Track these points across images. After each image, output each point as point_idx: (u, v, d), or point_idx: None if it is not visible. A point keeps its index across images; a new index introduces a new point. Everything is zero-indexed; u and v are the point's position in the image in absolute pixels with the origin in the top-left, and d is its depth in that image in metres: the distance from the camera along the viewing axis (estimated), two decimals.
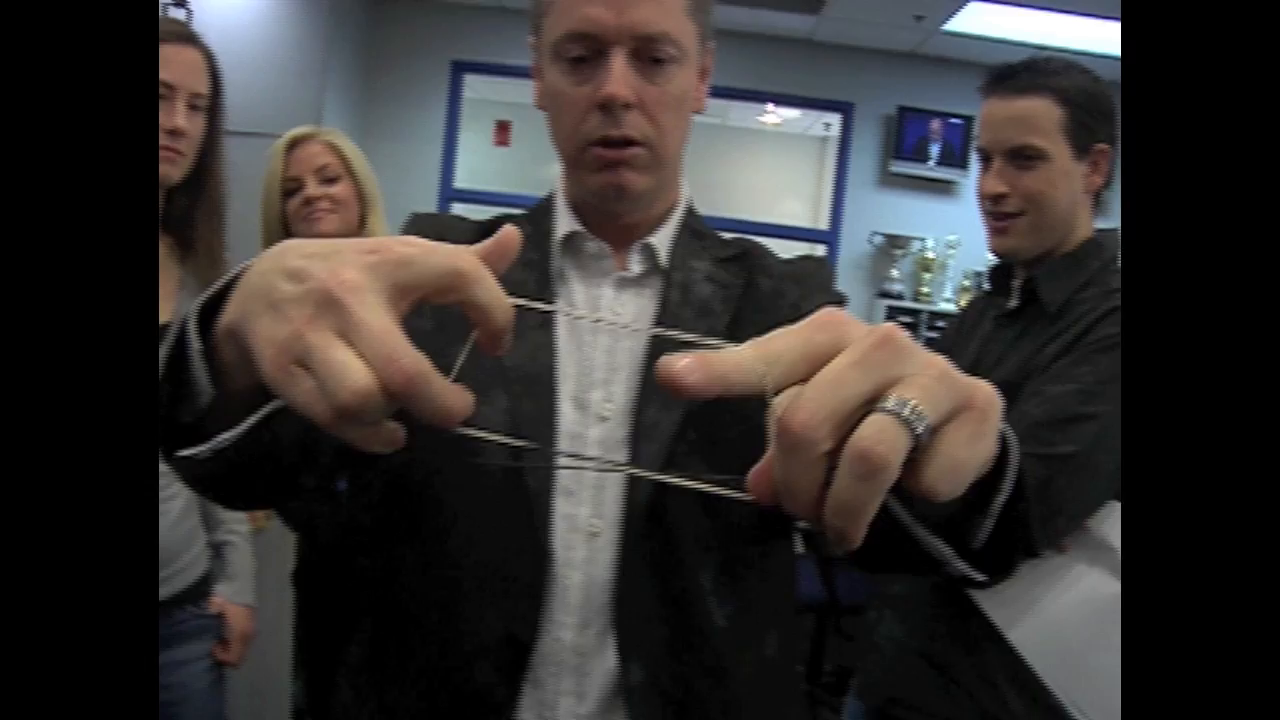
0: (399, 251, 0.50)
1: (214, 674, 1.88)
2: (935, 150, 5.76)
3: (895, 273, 5.83)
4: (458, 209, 6.40)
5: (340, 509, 2.13)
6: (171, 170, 1.67)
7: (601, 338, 1.06)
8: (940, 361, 0.46)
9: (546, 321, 1.05)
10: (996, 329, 1.69)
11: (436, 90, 6.27)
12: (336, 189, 2.08)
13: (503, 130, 6.85)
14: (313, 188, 2.06)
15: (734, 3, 5.37)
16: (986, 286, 1.76)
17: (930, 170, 5.77)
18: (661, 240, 1.15)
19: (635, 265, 1.14)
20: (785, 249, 6.57)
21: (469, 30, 6.16)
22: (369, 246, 0.51)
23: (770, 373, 0.45)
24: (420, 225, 1.18)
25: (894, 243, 5.81)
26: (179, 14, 4.13)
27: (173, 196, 1.74)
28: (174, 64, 1.64)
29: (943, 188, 5.84)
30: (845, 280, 6.06)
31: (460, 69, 6.27)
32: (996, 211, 1.59)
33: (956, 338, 1.78)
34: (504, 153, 7.01)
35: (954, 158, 5.78)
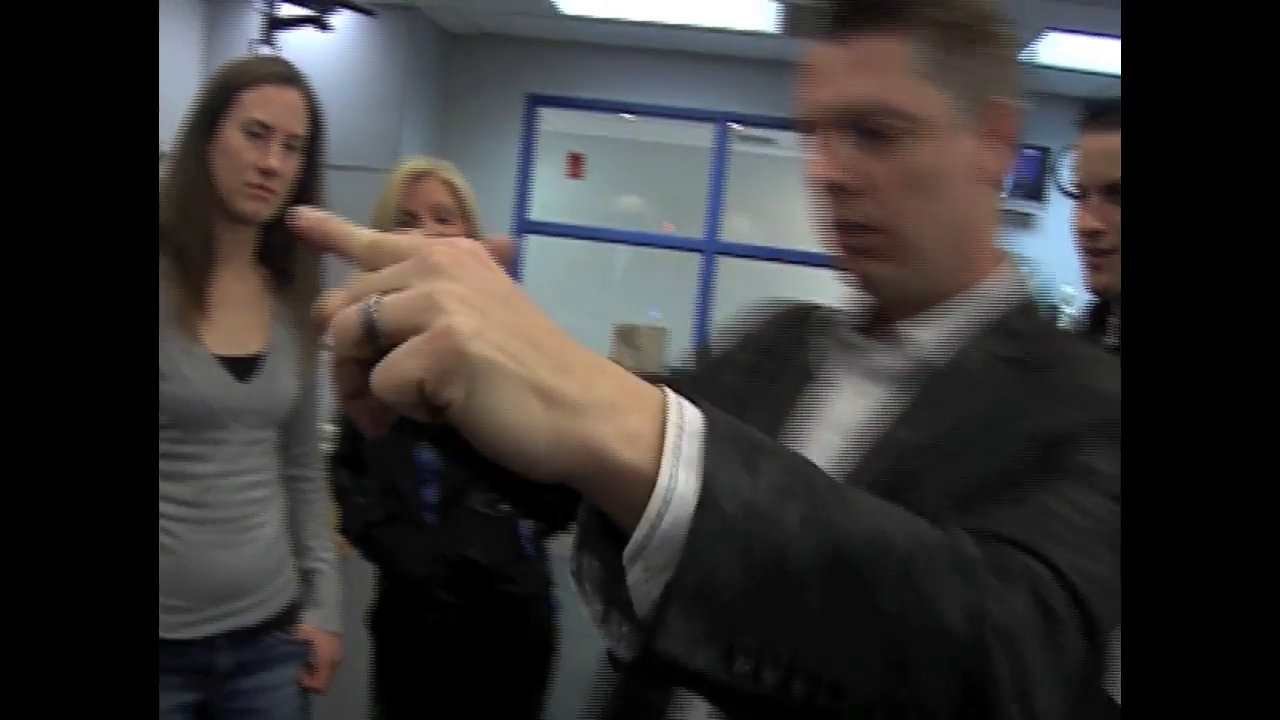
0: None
1: (300, 699, 1.90)
2: (1010, 183, 5.69)
3: None
4: (531, 241, 6.48)
5: (427, 540, 2.14)
6: (261, 208, 1.71)
7: None
8: (455, 288, 0.47)
9: None
10: None
11: (511, 123, 6.36)
12: (450, 229, 2.10)
13: (575, 162, 6.91)
14: (429, 226, 2.08)
15: (810, 36, 5.36)
16: (1083, 323, 1.72)
17: (1006, 203, 5.70)
18: (931, 331, 0.94)
19: (888, 358, 0.95)
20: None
21: (543, 64, 6.24)
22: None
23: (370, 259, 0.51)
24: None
25: None
26: (266, 51, 4.24)
27: (269, 231, 1.78)
28: (274, 104, 1.69)
29: (1019, 220, 5.75)
30: None
31: (535, 102, 6.36)
32: (1092, 248, 1.54)
33: None
34: (576, 185, 7.08)
35: (1030, 190, 5.70)
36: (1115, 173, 1.50)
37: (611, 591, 0.51)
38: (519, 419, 0.46)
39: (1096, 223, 1.53)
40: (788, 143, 7.03)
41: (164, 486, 1.70)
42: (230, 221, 1.73)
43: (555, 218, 6.82)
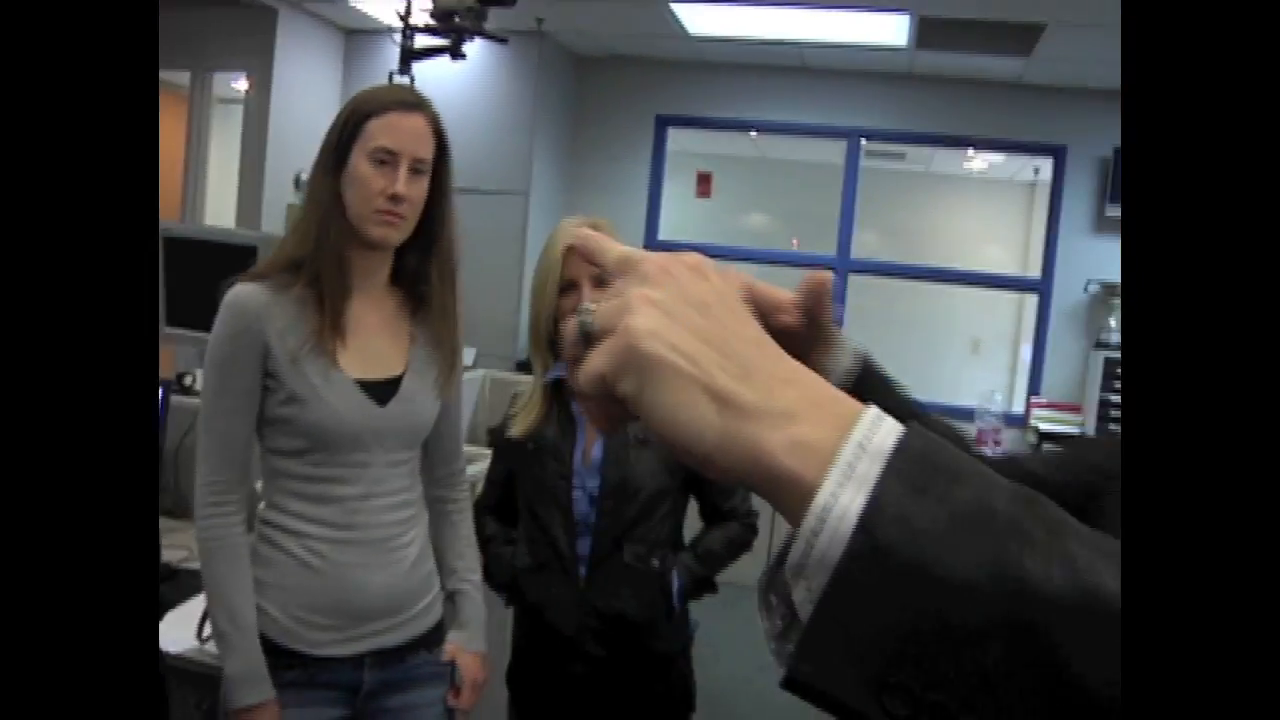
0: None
1: (445, 718, 1.92)
2: None
3: (1113, 322, 5.55)
4: None
5: (579, 593, 2.16)
6: (391, 233, 1.74)
7: None
8: (650, 293, 0.51)
9: None
10: None
11: (641, 144, 6.41)
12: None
13: (704, 182, 6.92)
14: (590, 292, 2.09)
15: (942, 48, 5.28)
16: None
17: None
18: None
19: None
20: (993, 298, 6.33)
21: (672, 85, 6.27)
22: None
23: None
24: None
25: (1111, 291, 5.54)
26: (402, 80, 4.36)
27: (402, 255, 1.82)
28: (398, 131, 1.72)
29: None
30: (1060, 330, 5.81)
31: (664, 123, 6.39)
32: None
33: None
34: (705, 204, 7.09)
35: None
36: None
37: (791, 606, 0.49)
38: (688, 415, 0.48)
39: None
40: (917, 157, 6.91)
41: (310, 509, 1.74)
42: (363, 248, 1.77)
43: (685, 237, 6.83)
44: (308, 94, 5.97)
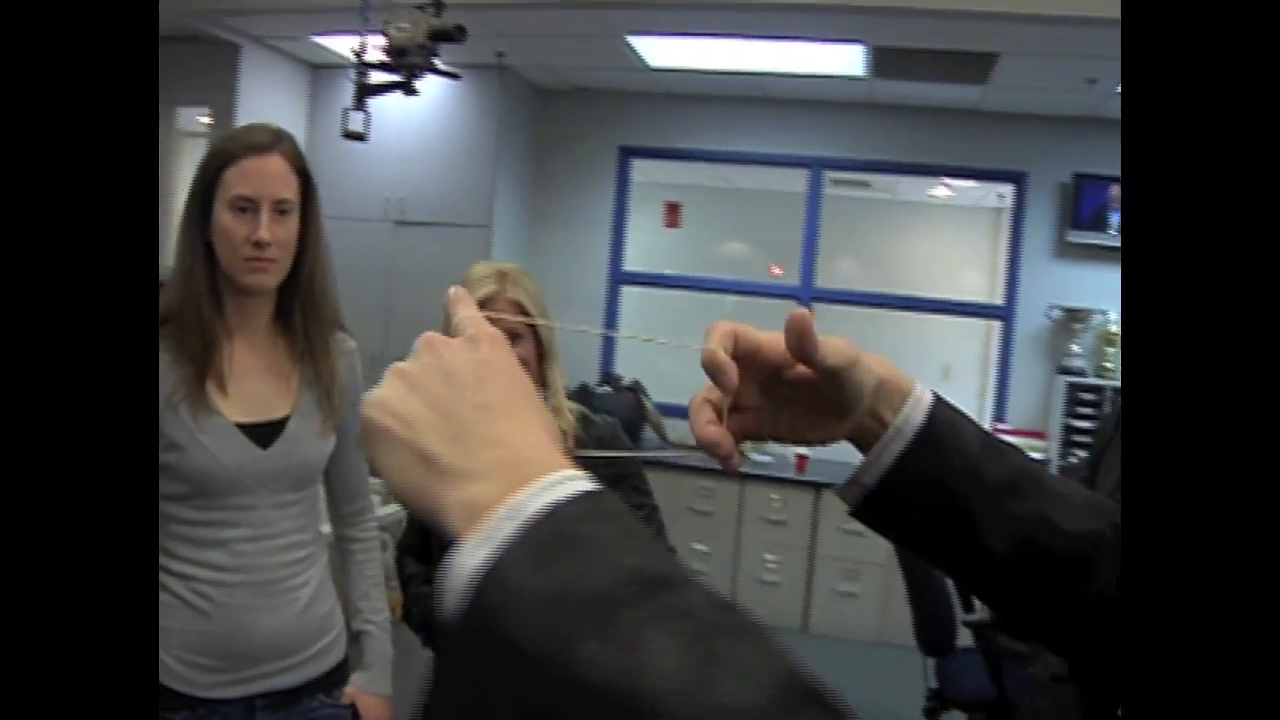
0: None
1: None
2: (1115, 218, 5.49)
3: (1076, 348, 5.56)
4: (627, 292, 6.51)
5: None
6: (264, 279, 1.73)
7: None
8: (405, 365, 0.57)
9: None
10: None
11: (605, 175, 6.42)
12: (519, 350, 2.10)
13: (673, 211, 6.93)
14: None
15: (898, 77, 5.31)
16: None
17: (1110, 239, 5.50)
18: None
19: None
20: (964, 324, 6.33)
21: (635, 116, 6.30)
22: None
23: None
24: None
25: (1073, 316, 5.55)
26: (358, 117, 4.37)
27: (282, 296, 1.82)
28: (253, 177, 1.70)
29: None
30: (1022, 356, 5.81)
31: (628, 154, 6.41)
32: None
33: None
34: (675, 234, 7.09)
35: None
36: None
37: None
38: (400, 475, 0.53)
39: None
40: (882, 185, 6.94)
41: (197, 552, 1.73)
42: (238, 294, 1.76)
43: (657, 266, 6.85)
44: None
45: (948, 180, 6.50)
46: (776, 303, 6.34)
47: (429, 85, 4.94)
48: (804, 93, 5.88)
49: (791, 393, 0.75)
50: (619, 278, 6.47)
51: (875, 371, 0.74)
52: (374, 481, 2.16)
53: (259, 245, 1.70)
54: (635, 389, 6.02)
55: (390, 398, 0.55)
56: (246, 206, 1.70)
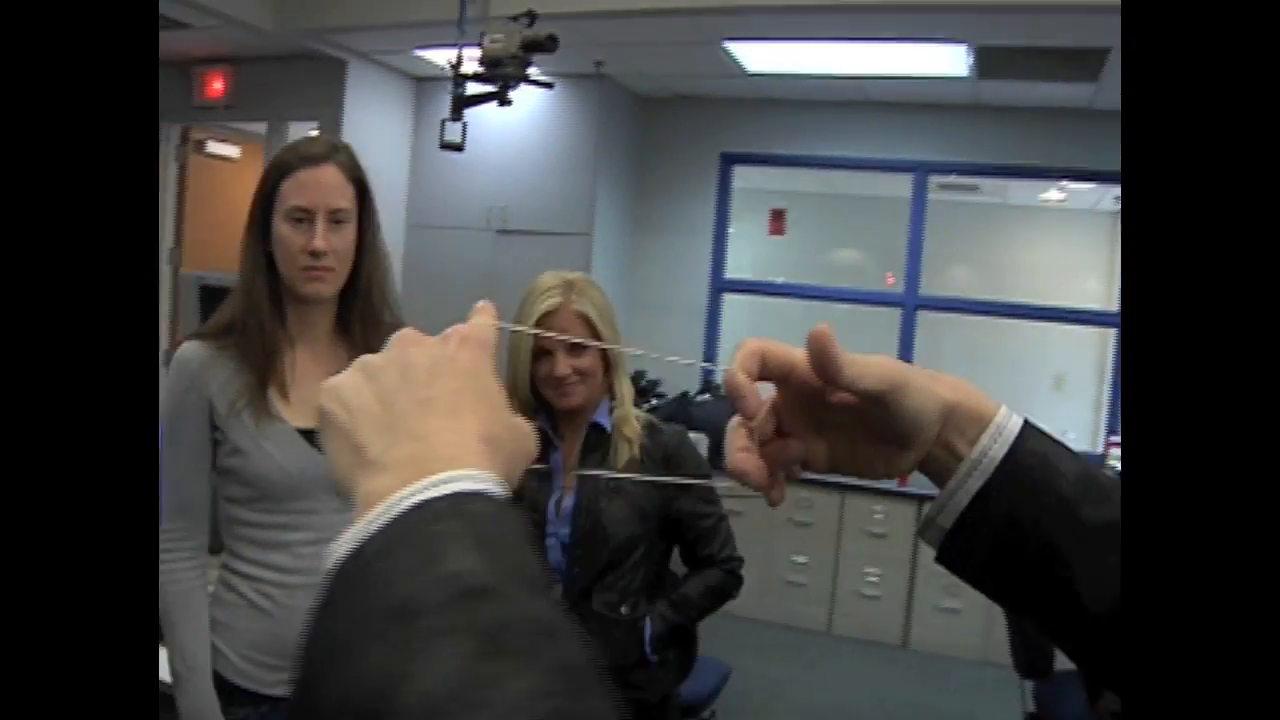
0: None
1: None
2: None
3: None
4: (732, 300, 6.46)
5: None
6: (321, 288, 1.77)
7: None
8: (372, 357, 0.58)
9: None
10: None
11: (706, 182, 6.39)
12: (584, 361, 2.13)
13: (777, 219, 6.86)
14: (562, 364, 2.11)
15: (1004, 77, 5.14)
16: None
17: None
18: None
19: None
20: (1079, 333, 6.11)
21: (736, 122, 6.25)
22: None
23: None
24: None
25: None
26: (455, 127, 4.44)
27: (342, 305, 1.84)
28: (308, 188, 1.74)
29: None
30: None
31: (729, 160, 6.37)
32: None
33: None
34: (779, 241, 7.01)
35: None
36: None
37: None
38: (336, 460, 0.54)
39: None
40: (991, 189, 6.74)
41: (262, 554, 1.78)
42: (299, 303, 1.80)
43: (764, 274, 6.78)
44: (378, 140, 6.12)
45: (1060, 183, 6.27)
46: (886, 310, 6.20)
47: (530, 96, 4.99)
48: (907, 95, 5.75)
49: (842, 419, 0.67)
50: (720, 285, 6.42)
51: (940, 395, 0.65)
52: None
53: (315, 254, 1.74)
54: None
55: (344, 386, 0.56)
56: (303, 217, 1.74)
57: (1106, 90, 5.13)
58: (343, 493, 0.53)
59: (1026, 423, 0.66)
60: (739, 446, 0.66)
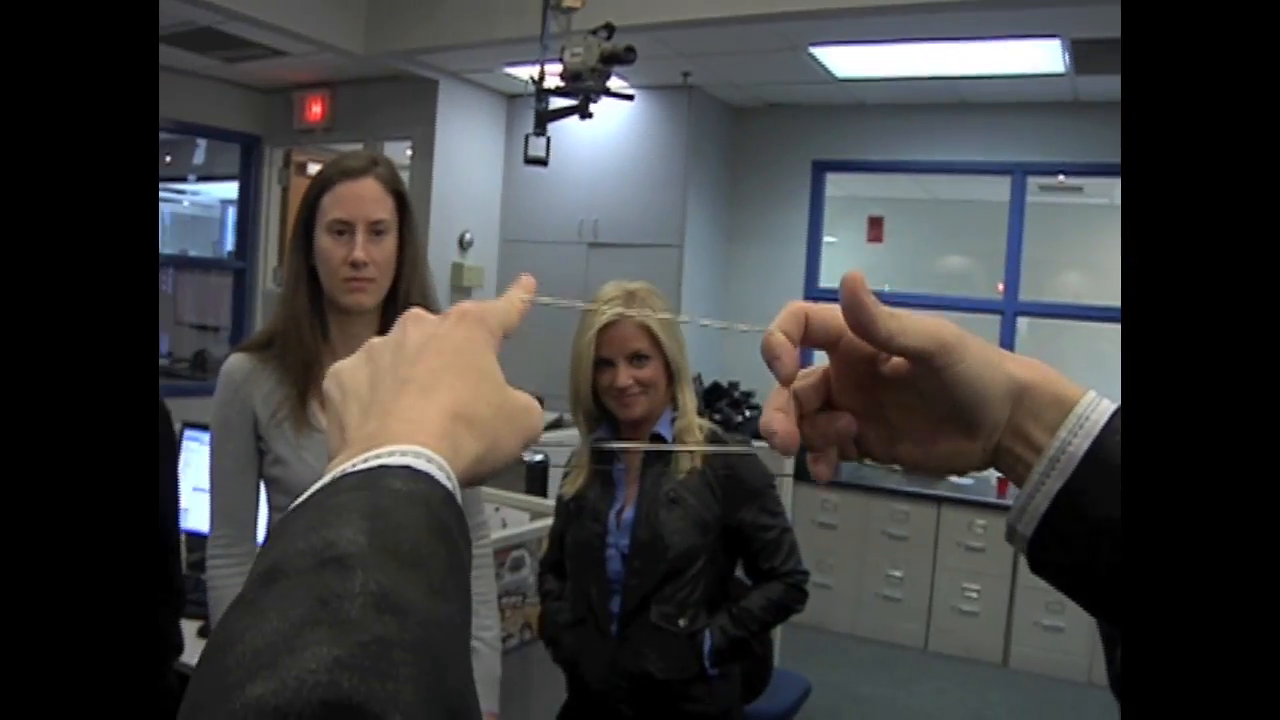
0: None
1: None
2: None
3: None
4: None
5: (610, 651, 2.15)
6: (363, 299, 1.78)
7: None
8: (377, 340, 0.58)
9: None
10: None
11: (799, 190, 6.31)
12: (646, 372, 2.13)
13: (876, 226, 6.73)
14: (623, 375, 2.11)
15: (1103, 71, 4.95)
16: None
17: None
18: None
19: None
20: None
21: (827, 129, 6.16)
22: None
23: None
24: None
25: None
26: (539, 142, 4.47)
27: (385, 316, 1.85)
28: (347, 200, 1.76)
29: None
30: None
31: (821, 168, 6.27)
32: None
33: None
34: (878, 249, 6.88)
35: None
36: None
37: None
38: (330, 442, 0.55)
39: None
40: (1096, 189, 6.50)
41: None
42: (341, 314, 1.82)
43: (868, 284, 6.62)
44: (470, 157, 6.22)
45: None
46: (988, 318, 6.03)
47: (619, 108, 5.01)
48: (1002, 95, 5.58)
49: (901, 399, 0.60)
50: (815, 294, 6.33)
51: (1010, 372, 0.57)
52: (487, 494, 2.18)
53: (355, 265, 1.75)
54: None
55: (344, 369, 0.57)
56: (343, 229, 1.76)
57: None
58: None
59: (1118, 412, 0.56)
60: (775, 405, 0.59)
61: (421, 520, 0.45)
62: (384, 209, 1.78)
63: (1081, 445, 0.55)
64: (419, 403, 0.53)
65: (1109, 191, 6.68)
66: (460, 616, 0.45)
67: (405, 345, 0.56)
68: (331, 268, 1.77)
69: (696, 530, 2.12)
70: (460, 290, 6.12)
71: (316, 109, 6.32)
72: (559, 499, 2.33)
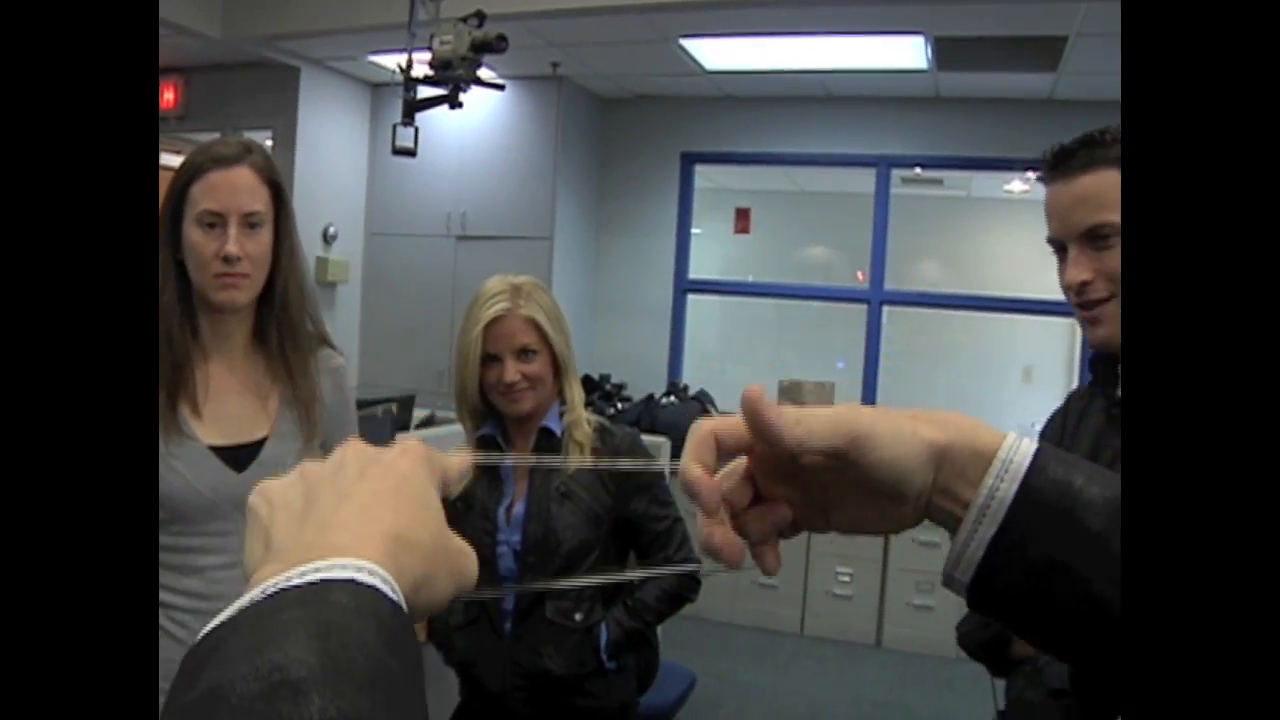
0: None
1: None
2: None
3: None
4: (700, 300, 6.41)
5: (504, 650, 2.12)
6: (236, 295, 1.67)
7: None
8: (309, 464, 0.56)
9: None
10: (1111, 423, 1.47)
11: (668, 182, 6.33)
12: (534, 367, 2.09)
13: (743, 217, 6.80)
14: (511, 370, 2.06)
15: (964, 68, 5.11)
16: (1091, 379, 1.57)
17: None
18: None
19: None
20: (1045, 326, 6.14)
21: (695, 121, 6.20)
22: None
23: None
24: None
25: None
26: (407, 132, 4.36)
27: (259, 315, 1.75)
28: (220, 190, 1.65)
29: None
30: None
31: (690, 160, 6.31)
32: (1084, 302, 1.40)
33: (1061, 435, 1.58)
34: (745, 240, 6.96)
35: None
36: (1089, 217, 1.37)
37: None
38: (249, 556, 0.52)
39: (1084, 274, 1.38)
40: (955, 182, 6.71)
41: (175, 580, 1.67)
42: (212, 312, 1.71)
43: (732, 274, 6.72)
44: (334, 148, 6.04)
45: (1023, 174, 6.25)
46: (855, 307, 6.16)
47: (487, 99, 4.92)
48: (867, 89, 5.70)
49: (825, 477, 0.61)
50: (684, 286, 6.36)
51: (925, 438, 0.58)
52: None
53: (228, 260, 1.64)
54: (701, 399, 5.90)
55: (274, 486, 0.54)
56: (215, 221, 1.65)
57: (1066, 80, 5.11)
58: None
59: (1041, 449, 0.57)
60: (709, 520, 0.59)
61: (374, 636, 0.42)
62: (259, 200, 1.68)
63: (1009, 489, 0.56)
64: (359, 519, 0.50)
65: (967, 184, 6.92)
66: None
67: (345, 467, 0.54)
68: (202, 262, 1.65)
69: (589, 524, 2.10)
70: (325, 285, 5.93)
71: (169, 96, 6.04)
72: (444, 499, 2.27)
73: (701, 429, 0.60)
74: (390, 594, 0.46)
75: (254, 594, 0.44)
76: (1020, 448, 0.57)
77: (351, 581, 0.44)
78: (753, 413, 0.57)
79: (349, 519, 0.50)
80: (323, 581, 0.44)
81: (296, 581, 0.44)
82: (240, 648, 0.41)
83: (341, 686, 0.39)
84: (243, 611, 0.43)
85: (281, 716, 0.37)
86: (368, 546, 0.47)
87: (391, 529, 0.50)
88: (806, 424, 0.57)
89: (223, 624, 0.43)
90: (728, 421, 0.60)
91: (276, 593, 0.44)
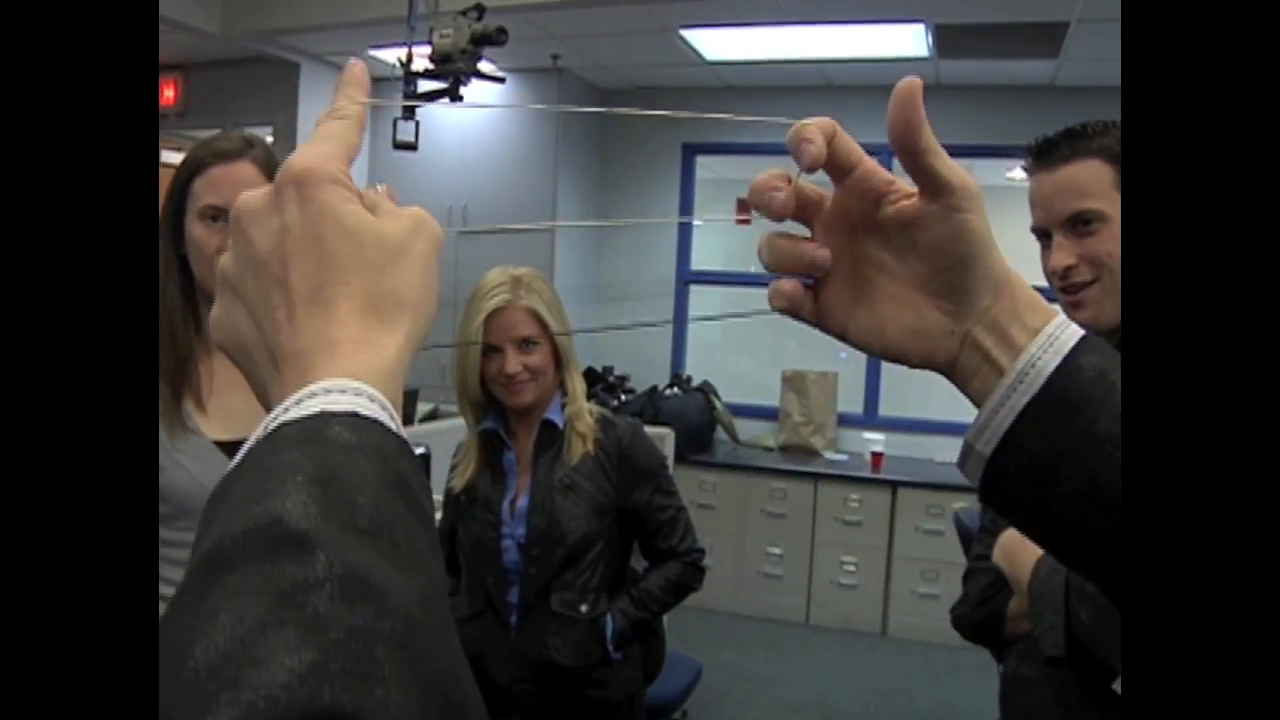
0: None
1: None
2: None
3: None
4: (702, 291, 6.41)
5: (511, 642, 2.14)
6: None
7: None
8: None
9: None
10: None
11: (669, 173, 6.33)
12: (535, 358, 2.10)
13: (744, 208, 6.77)
14: (512, 361, 2.07)
15: (964, 56, 5.10)
16: None
17: None
18: None
19: None
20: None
21: (698, 111, 6.18)
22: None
23: None
24: None
25: None
26: (408, 126, 4.36)
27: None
28: (222, 185, 1.65)
29: None
30: None
31: (691, 151, 6.30)
32: (1067, 286, 1.46)
33: None
34: (747, 230, 6.95)
35: None
36: (1072, 204, 1.45)
37: None
38: (231, 323, 0.51)
39: (1067, 259, 1.45)
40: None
41: (175, 573, 1.67)
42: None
43: (735, 265, 6.70)
44: None
45: (1025, 161, 6.25)
46: None
47: (487, 93, 4.91)
48: (868, 78, 5.69)
49: (886, 254, 0.58)
50: (686, 277, 6.36)
51: (1002, 270, 0.56)
52: None
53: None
54: (705, 390, 5.90)
55: (221, 318, 0.51)
56: (217, 216, 1.65)
57: (1068, 66, 5.09)
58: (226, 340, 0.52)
59: (1087, 336, 0.55)
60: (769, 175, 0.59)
61: (378, 477, 0.41)
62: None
63: (1050, 362, 0.54)
64: (317, 321, 0.47)
65: (969, 172, 6.90)
66: (434, 584, 0.40)
67: (263, 260, 0.49)
68: (205, 257, 1.65)
69: (593, 515, 2.11)
70: None
71: (168, 93, 6.04)
72: (447, 493, 2.27)
73: (825, 119, 0.57)
74: (391, 424, 0.44)
75: (258, 432, 0.43)
76: (1068, 328, 0.55)
77: (352, 415, 0.43)
78: (909, 93, 0.54)
79: (310, 328, 0.48)
80: (318, 415, 0.43)
81: (295, 414, 0.43)
82: (238, 497, 0.40)
83: (346, 539, 0.37)
84: (249, 453, 0.42)
85: (287, 575, 0.36)
86: (343, 355, 0.46)
87: (358, 307, 0.48)
88: (943, 155, 0.54)
89: (230, 472, 0.43)
90: (848, 136, 0.57)
91: (277, 429, 0.42)
